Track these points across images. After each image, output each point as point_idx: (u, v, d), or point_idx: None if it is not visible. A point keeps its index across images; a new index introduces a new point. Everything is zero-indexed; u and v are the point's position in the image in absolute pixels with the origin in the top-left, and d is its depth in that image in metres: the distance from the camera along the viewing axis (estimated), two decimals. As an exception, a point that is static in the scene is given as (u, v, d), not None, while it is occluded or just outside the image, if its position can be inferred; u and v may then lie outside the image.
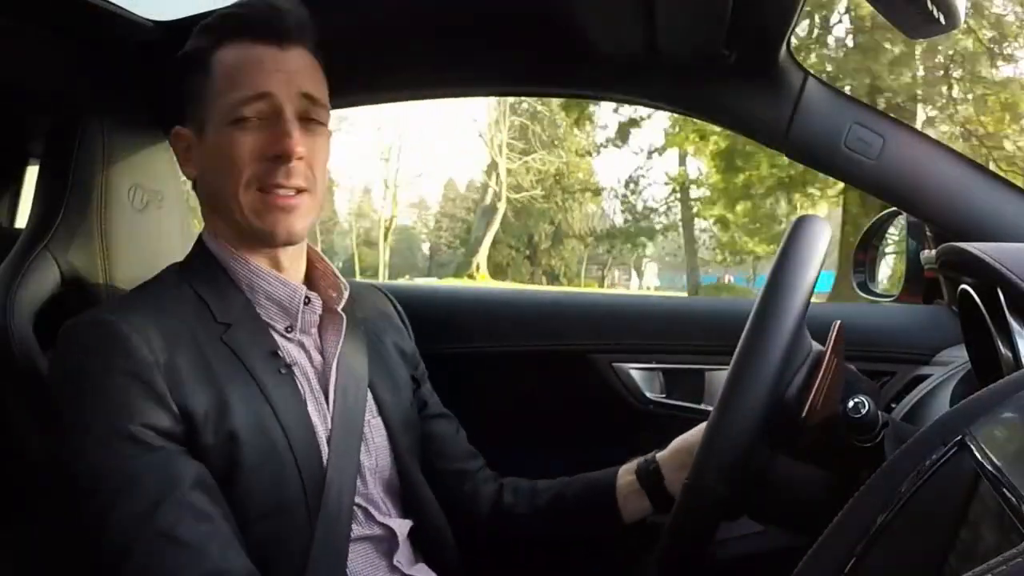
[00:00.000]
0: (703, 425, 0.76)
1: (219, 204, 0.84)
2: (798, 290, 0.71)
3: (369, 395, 0.91)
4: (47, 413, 0.80)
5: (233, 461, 0.76)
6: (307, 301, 0.86)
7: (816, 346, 0.79)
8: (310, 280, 0.91)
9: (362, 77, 1.19)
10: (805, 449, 0.77)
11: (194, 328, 0.79)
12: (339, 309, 0.88)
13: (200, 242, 0.88)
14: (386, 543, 0.89)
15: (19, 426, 0.92)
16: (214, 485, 0.75)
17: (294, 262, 0.88)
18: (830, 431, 0.75)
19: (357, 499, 0.86)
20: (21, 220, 1.51)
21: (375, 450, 0.90)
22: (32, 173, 1.49)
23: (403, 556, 0.89)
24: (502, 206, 22.27)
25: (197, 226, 0.95)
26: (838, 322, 0.79)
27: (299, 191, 0.82)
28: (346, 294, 0.89)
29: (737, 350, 0.71)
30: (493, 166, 22.52)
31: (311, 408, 0.83)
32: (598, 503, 0.96)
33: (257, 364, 0.80)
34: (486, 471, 1.05)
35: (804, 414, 0.72)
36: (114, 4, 1.02)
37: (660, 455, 0.95)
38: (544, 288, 18.05)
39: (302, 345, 0.86)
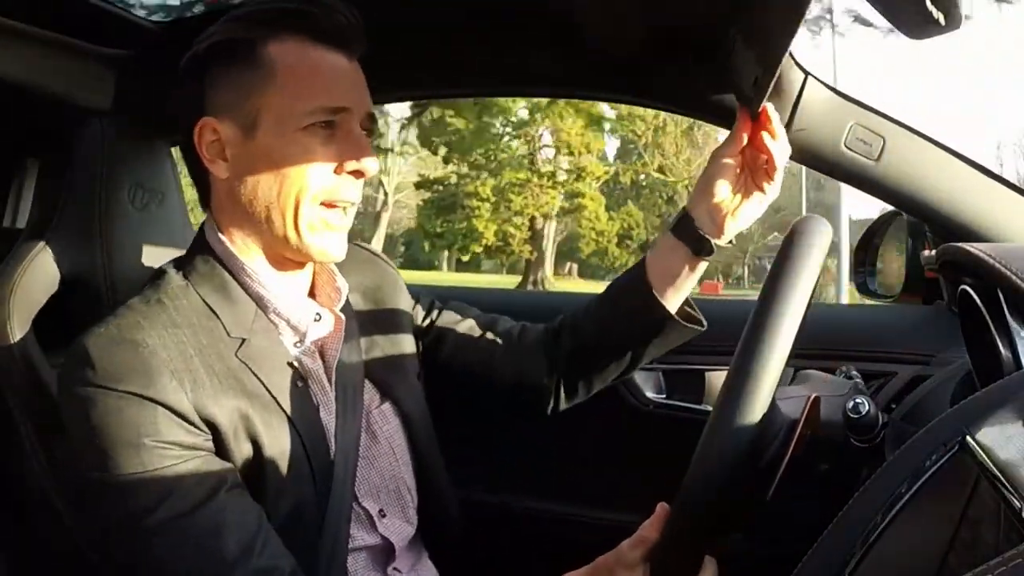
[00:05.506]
0: None
1: (262, 213, 0.78)
2: (784, 336, 0.62)
3: (371, 387, 0.90)
4: (51, 424, 0.77)
5: (258, 476, 0.75)
6: (317, 318, 0.83)
7: (789, 418, 0.73)
8: (312, 281, 0.89)
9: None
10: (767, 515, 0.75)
11: (207, 343, 0.75)
12: (338, 311, 0.86)
13: (203, 241, 0.82)
14: (384, 553, 0.88)
15: (18, 426, 0.92)
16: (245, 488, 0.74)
17: (308, 271, 0.87)
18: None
19: (361, 492, 0.85)
20: (22, 220, 1.51)
21: (382, 438, 0.89)
22: (32, 173, 1.49)
23: (402, 563, 0.90)
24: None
25: (195, 225, 0.92)
26: (812, 396, 0.75)
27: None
28: (345, 293, 0.87)
29: (707, 424, 0.64)
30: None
31: (323, 413, 0.83)
32: (632, 287, 0.92)
33: (274, 379, 0.78)
34: (509, 325, 1.02)
35: (769, 496, 0.70)
36: (114, 4, 1.02)
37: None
38: (543, 289, 18.01)
39: (311, 353, 0.85)
